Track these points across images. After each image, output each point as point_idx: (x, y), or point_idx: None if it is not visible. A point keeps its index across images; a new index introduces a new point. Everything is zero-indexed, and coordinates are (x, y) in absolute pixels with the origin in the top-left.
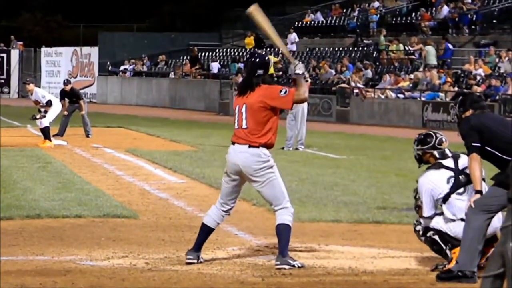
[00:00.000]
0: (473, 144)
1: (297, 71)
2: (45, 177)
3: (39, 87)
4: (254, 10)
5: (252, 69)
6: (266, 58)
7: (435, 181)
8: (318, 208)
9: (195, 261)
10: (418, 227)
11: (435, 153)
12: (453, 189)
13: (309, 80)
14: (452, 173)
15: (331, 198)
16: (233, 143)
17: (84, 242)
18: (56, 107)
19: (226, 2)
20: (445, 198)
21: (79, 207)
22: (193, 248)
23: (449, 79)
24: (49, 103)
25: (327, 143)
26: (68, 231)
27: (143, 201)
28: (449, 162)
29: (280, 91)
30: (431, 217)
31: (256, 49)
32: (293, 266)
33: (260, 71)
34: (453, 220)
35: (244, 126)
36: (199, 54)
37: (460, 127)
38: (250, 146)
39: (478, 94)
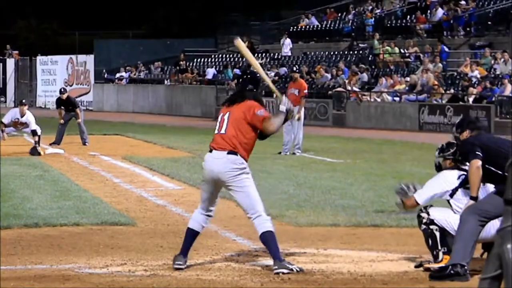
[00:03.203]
0: (477, 152)
1: (280, 109)
2: (43, 185)
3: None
4: (239, 42)
5: (244, 84)
6: (258, 75)
7: (448, 181)
8: (316, 212)
9: (183, 266)
10: (424, 215)
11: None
12: (461, 184)
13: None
14: (464, 173)
15: (329, 202)
16: (211, 150)
17: (82, 250)
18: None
19: (222, 7)
20: (453, 193)
21: (77, 215)
22: (181, 253)
23: (435, 83)
24: (34, 132)
25: (324, 147)
26: (67, 239)
27: (140, 208)
28: (465, 167)
29: (258, 110)
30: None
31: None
32: (291, 270)
33: (250, 86)
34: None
35: (222, 131)
36: (195, 60)
37: (460, 148)
38: (228, 153)
39: (475, 117)
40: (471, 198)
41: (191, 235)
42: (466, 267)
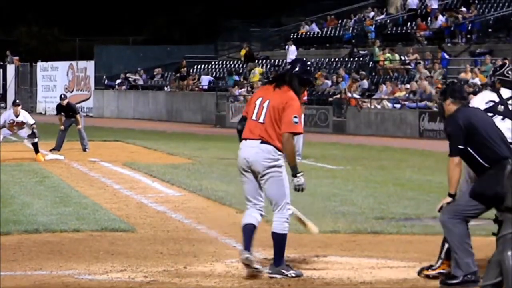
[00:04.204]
0: (458, 146)
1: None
2: (43, 191)
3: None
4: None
5: (293, 68)
6: (309, 67)
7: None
8: (316, 219)
9: (251, 256)
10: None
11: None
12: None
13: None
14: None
15: (329, 209)
16: (245, 139)
17: (82, 256)
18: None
19: (222, 14)
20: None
21: (77, 221)
22: (245, 248)
23: (439, 86)
24: (34, 125)
25: (324, 154)
26: (67, 246)
27: (141, 214)
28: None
29: (295, 116)
30: None
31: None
32: (286, 276)
33: (298, 72)
34: None
35: (261, 120)
36: (195, 66)
37: (447, 125)
38: (262, 142)
39: (460, 84)
40: (449, 195)
41: (247, 231)
42: (475, 274)
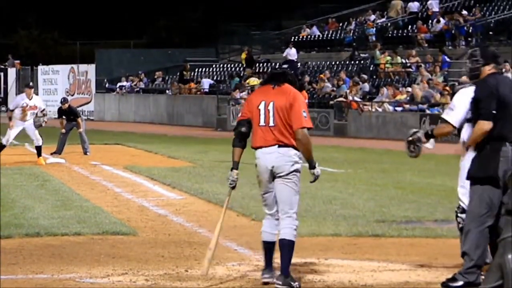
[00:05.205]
0: (493, 111)
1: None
2: (44, 195)
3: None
4: None
5: (291, 67)
6: (297, 70)
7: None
8: (317, 222)
9: (272, 279)
10: (460, 220)
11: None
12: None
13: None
14: None
15: (330, 212)
16: (260, 147)
17: (83, 260)
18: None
19: (223, 17)
20: None
21: (78, 224)
22: (266, 268)
23: (447, 88)
24: (45, 110)
25: (325, 157)
26: (68, 249)
27: (142, 217)
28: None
29: (304, 110)
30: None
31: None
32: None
33: (289, 70)
34: None
35: (271, 123)
36: (196, 70)
37: (478, 90)
38: (279, 146)
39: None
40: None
41: (268, 248)
42: (480, 281)
